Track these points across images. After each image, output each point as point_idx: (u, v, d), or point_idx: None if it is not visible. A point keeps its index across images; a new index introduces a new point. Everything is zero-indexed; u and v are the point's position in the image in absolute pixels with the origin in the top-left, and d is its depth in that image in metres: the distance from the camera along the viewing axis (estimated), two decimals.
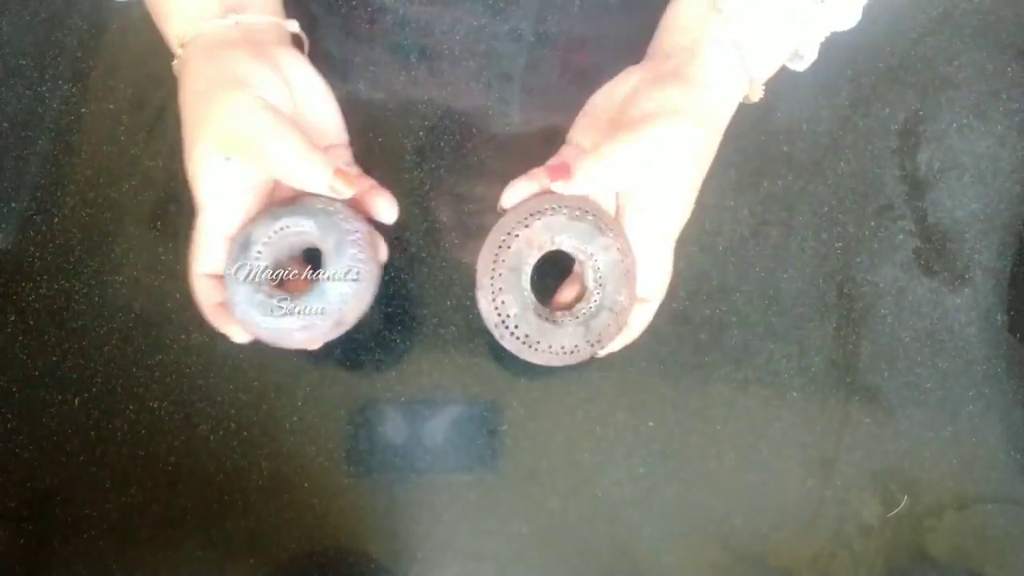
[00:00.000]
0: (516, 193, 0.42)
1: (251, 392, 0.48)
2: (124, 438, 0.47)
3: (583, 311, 0.42)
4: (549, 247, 0.42)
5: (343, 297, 0.41)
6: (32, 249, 0.49)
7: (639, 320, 0.45)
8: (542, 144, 0.51)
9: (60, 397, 0.47)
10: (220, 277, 0.42)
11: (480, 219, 0.50)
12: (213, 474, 0.47)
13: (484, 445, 0.48)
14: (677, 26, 0.45)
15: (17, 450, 0.47)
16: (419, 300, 0.49)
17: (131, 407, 0.47)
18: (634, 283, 0.42)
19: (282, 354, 0.48)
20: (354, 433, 0.48)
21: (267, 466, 0.47)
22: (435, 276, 0.50)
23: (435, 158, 0.51)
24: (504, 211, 0.43)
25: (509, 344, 0.41)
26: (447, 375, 0.49)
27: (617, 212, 0.44)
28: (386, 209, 0.43)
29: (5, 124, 0.51)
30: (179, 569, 0.46)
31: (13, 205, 0.50)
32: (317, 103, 0.45)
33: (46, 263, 0.49)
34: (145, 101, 0.51)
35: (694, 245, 0.51)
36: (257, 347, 0.48)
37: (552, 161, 0.42)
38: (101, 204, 0.50)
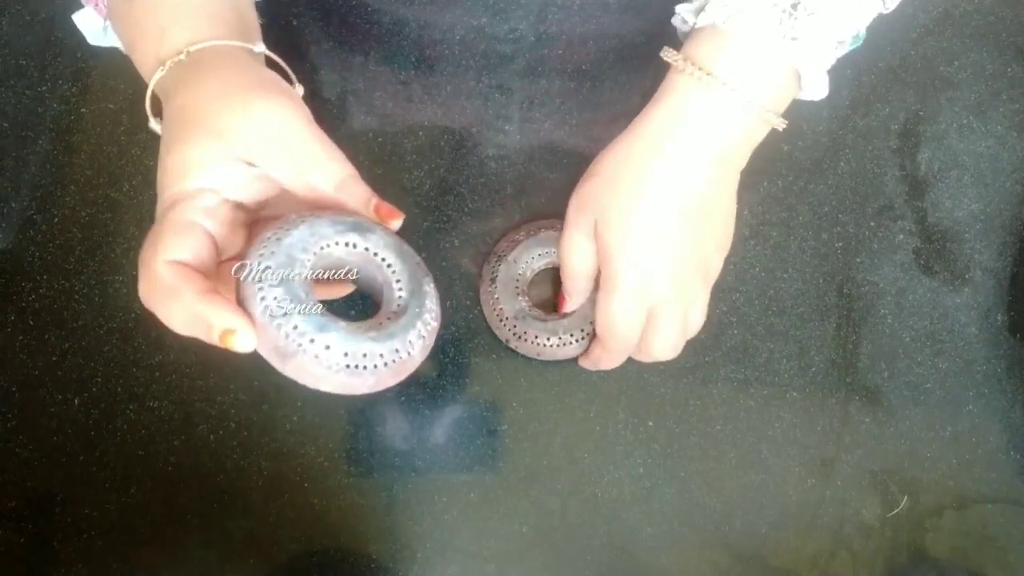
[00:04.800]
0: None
1: (251, 392, 0.48)
2: (124, 438, 0.47)
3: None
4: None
5: (401, 354, 0.35)
6: (32, 249, 0.49)
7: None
8: (542, 142, 0.51)
9: (60, 397, 0.47)
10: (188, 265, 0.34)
11: (481, 219, 0.50)
12: (213, 474, 0.47)
13: (484, 445, 0.48)
14: (657, 102, 0.43)
15: (17, 450, 0.47)
16: None
17: (131, 407, 0.47)
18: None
19: None
20: (354, 433, 0.48)
21: (267, 466, 0.47)
22: (435, 276, 0.49)
23: (435, 157, 0.51)
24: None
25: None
26: (447, 375, 0.49)
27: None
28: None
29: (5, 124, 0.51)
30: (179, 569, 0.46)
31: (13, 205, 0.50)
32: None
33: (46, 263, 0.49)
34: (145, 101, 0.51)
35: None
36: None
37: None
38: (101, 204, 0.50)
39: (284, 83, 0.38)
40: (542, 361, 0.48)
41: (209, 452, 0.47)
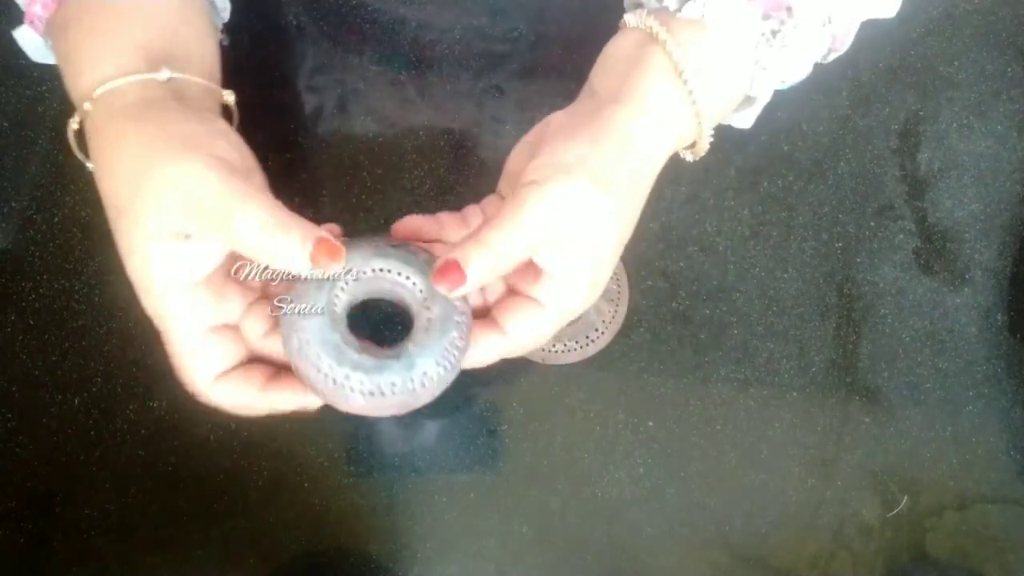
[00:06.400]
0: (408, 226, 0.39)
1: None
2: (124, 438, 0.47)
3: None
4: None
5: (426, 381, 0.35)
6: (32, 249, 0.49)
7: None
8: None
9: (60, 397, 0.47)
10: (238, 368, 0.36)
11: None
12: (213, 474, 0.47)
13: (484, 445, 0.48)
14: (609, 62, 0.40)
15: (17, 450, 0.47)
16: None
17: (131, 407, 0.47)
18: None
19: None
20: (354, 433, 0.48)
21: (267, 466, 0.47)
22: None
23: (435, 157, 0.51)
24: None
25: None
26: None
27: None
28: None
29: (5, 124, 0.51)
30: (179, 569, 0.46)
31: (13, 204, 0.50)
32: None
33: (46, 263, 0.49)
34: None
35: (694, 245, 0.51)
36: None
37: (442, 261, 0.35)
38: (101, 204, 0.50)
39: (182, 128, 0.34)
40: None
41: (209, 452, 0.47)
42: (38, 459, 0.47)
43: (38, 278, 0.49)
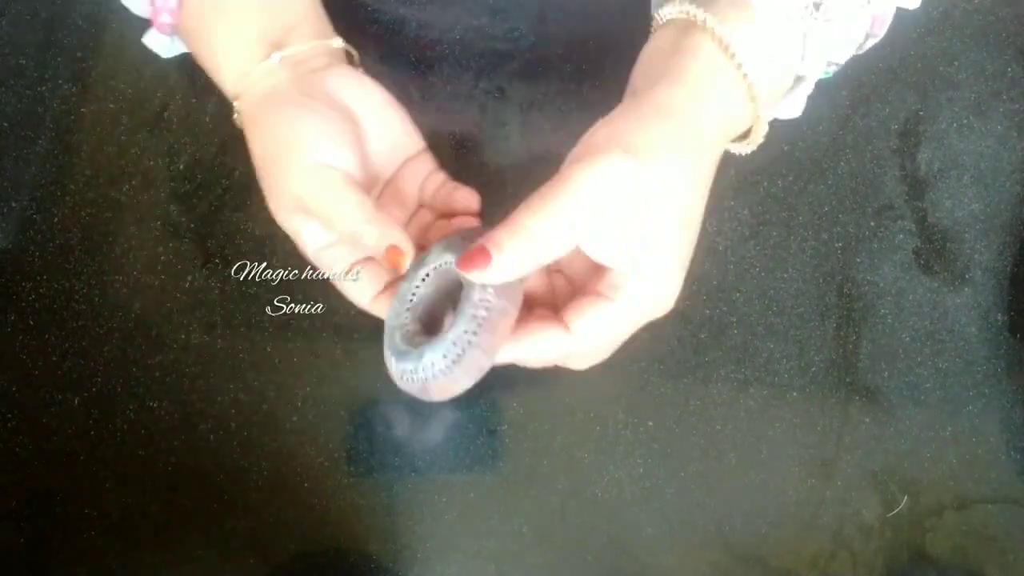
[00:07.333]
0: None
1: (251, 392, 0.48)
2: (124, 438, 0.47)
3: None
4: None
5: (435, 371, 0.36)
6: (32, 249, 0.49)
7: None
8: (541, 142, 0.51)
9: (60, 397, 0.47)
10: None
11: (481, 219, 0.50)
12: (213, 474, 0.47)
13: (484, 445, 0.48)
14: (648, 59, 0.40)
15: (17, 450, 0.47)
16: None
17: (131, 407, 0.47)
18: None
19: (283, 354, 0.48)
20: (354, 433, 0.48)
21: (267, 466, 0.47)
22: None
23: (436, 157, 0.51)
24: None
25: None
26: None
27: None
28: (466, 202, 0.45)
29: (5, 124, 0.51)
30: (179, 569, 0.46)
31: (13, 205, 0.50)
32: (383, 117, 0.44)
33: (46, 263, 0.49)
34: (145, 101, 0.51)
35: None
36: (256, 346, 0.48)
37: (471, 247, 0.35)
38: (101, 204, 0.50)
39: (292, 132, 0.40)
40: None
41: (209, 452, 0.47)
42: (38, 459, 0.47)
43: (38, 278, 0.49)
